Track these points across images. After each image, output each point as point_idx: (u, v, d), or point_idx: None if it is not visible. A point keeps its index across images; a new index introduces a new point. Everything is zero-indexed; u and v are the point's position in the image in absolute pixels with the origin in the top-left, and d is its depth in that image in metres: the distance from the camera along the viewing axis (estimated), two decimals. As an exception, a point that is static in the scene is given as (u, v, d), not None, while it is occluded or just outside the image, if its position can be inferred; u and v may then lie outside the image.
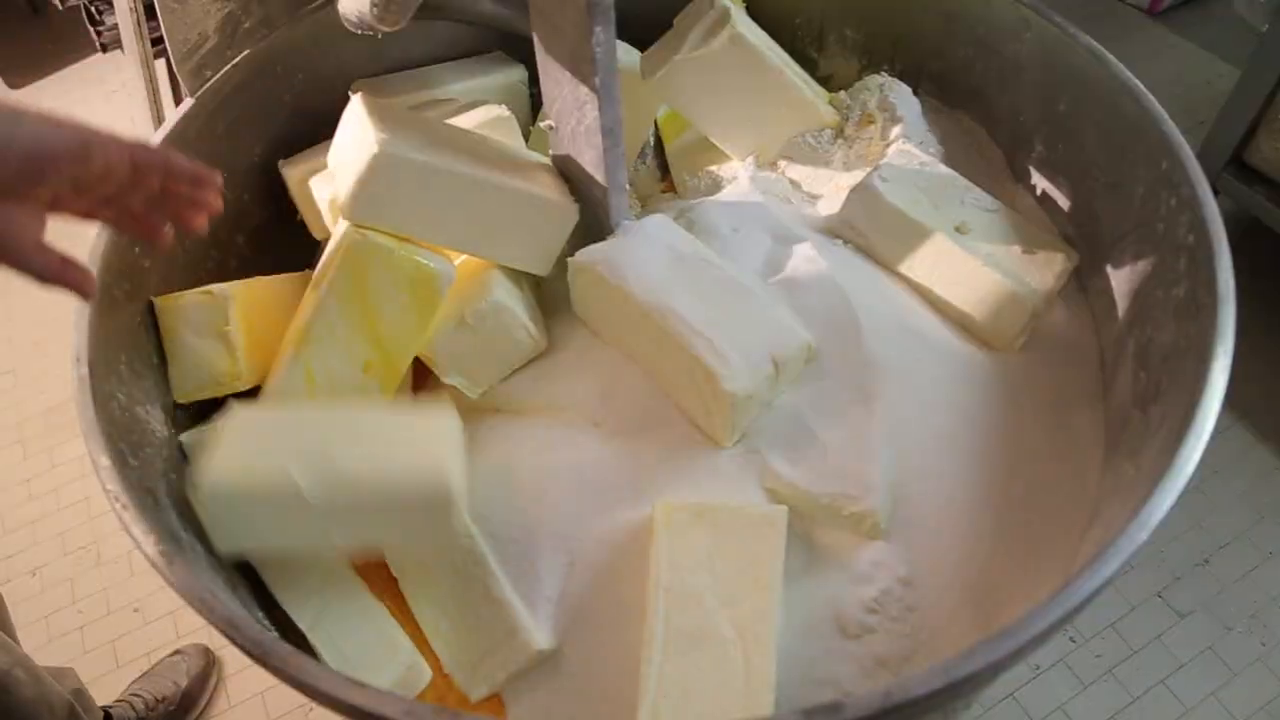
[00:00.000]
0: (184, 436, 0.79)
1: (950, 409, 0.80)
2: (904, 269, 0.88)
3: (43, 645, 1.42)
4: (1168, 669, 1.31)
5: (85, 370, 0.68)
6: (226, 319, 0.79)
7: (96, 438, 0.64)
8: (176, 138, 0.85)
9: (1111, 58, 0.81)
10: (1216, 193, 1.63)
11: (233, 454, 0.66)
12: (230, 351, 0.80)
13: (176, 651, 1.35)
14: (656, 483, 0.76)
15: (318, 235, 0.94)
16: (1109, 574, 0.54)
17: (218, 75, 0.89)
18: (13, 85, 2.34)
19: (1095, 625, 1.35)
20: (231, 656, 1.39)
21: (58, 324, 1.91)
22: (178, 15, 0.86)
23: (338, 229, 0.79)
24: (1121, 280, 0.83)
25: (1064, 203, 0.91)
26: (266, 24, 0.93)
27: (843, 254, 0.88)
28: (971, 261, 0.82)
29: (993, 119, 0.98)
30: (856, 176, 0.91)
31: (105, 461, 0.62)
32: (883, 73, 1.00)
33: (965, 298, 0.85)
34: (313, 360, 0.77)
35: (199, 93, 0.88)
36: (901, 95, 0.97)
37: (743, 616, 0.68)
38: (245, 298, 0.82)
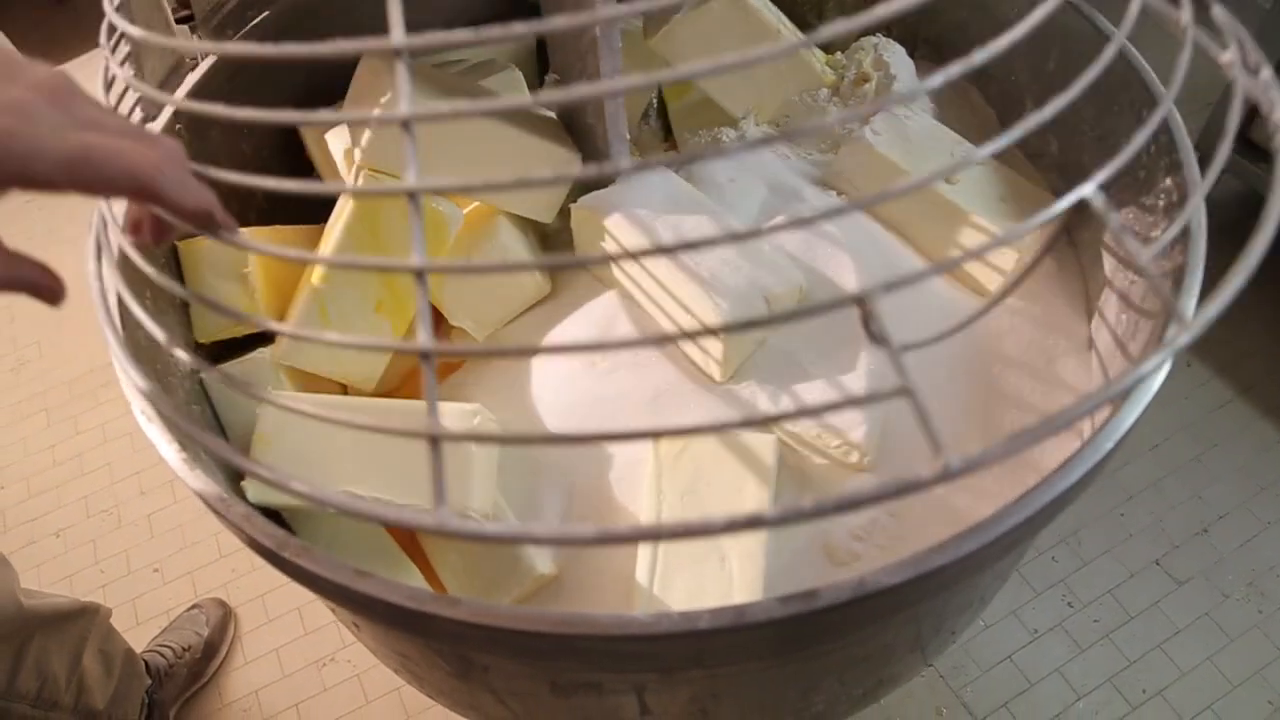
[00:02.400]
0: (205, 374, 0.83)
1: (939, 350, 0.83)
2: (897, 218, 0.90)
3: (66, 601, 1.47)
4: (1165, 634, 1.33)
5: (115, 298, 0.71)
6: (245, 261, 0.83)
7: (124, 356, 0.67)
8: (199, 91, 0.89)
9: (1097, 13, 0.84)
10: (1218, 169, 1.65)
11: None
12: (249, 292, 0.84)
13: (194, 606, 1.40)
14: (652, 418, 0.79)
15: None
16: (1075, 479, 0.56)
17: (238, 35, 0.93)
18: (40, 71, 2.40)
19: (1093, 591, 1.37)
20: (246, 614, 1.44)
21: (81, 298, 1.96)
22: (201, -23, 0.90)
23: (351, 175, 0.83)
24: (1108, 231, 0.85)
25: (1054, 158, 0.94)
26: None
27: (836, 204, 0.91)
28: (960, 210, 0.85)
29: (985, 79, 1.01)
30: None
31: (135, 374, 0.66)
32: (878, 35, 1.03)
33: (954, 246, 0.87)
34: (327, 299, 0.80)
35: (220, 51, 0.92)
36: (895, 55, 1.00)
37: (733, 538, 0.71)
38: (263, 241, 0.85)
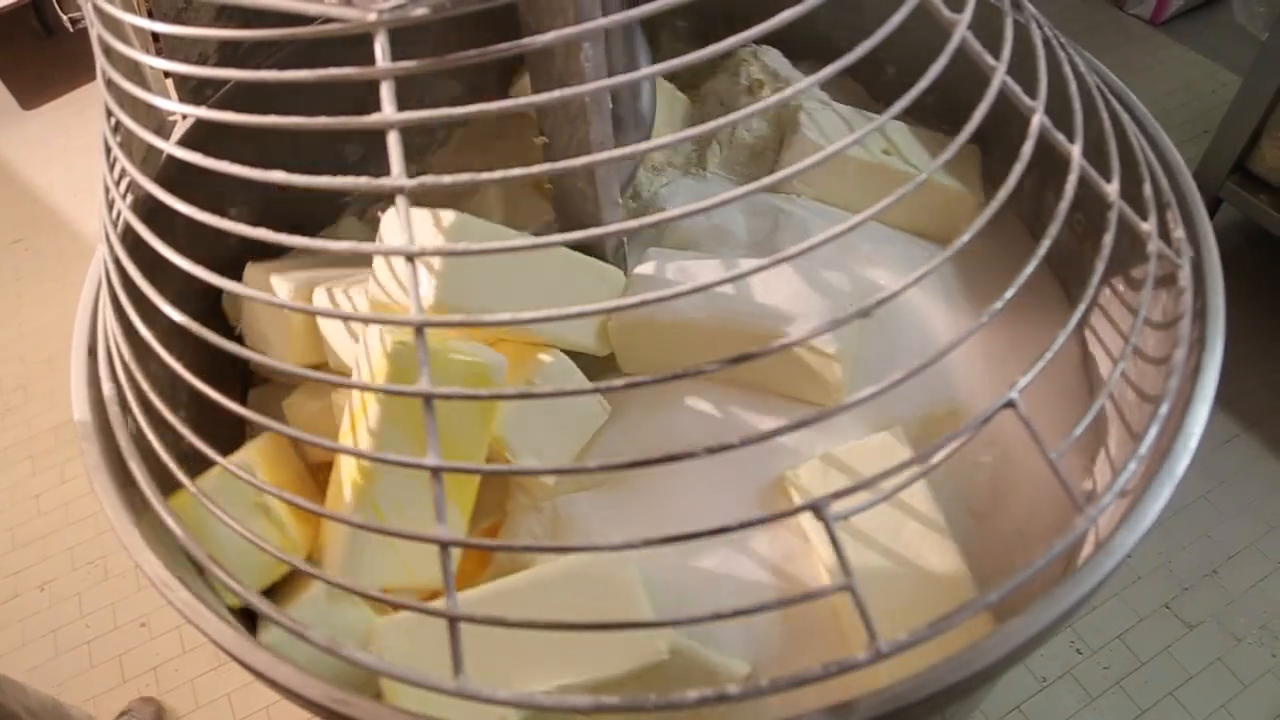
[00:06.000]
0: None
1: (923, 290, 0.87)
2: (856, 201, 0.95)
3: (50, 659, 1.43)
4: (1177, 681, 1.30)
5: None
6: (257, 490, 0.69)
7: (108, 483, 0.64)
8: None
9: (1110, 74, 0.81)
10: (1220, 201, 1.62)
11: None
12: (274, 521, 0.73)
13: (123, 713, 1.32)
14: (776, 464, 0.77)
15: (290, 359, 0.82)
16: (1104, 574, 0.53)
17: (217, 95, 0.90)
18: (26, 107, 2.37)
19: (1103, 637, 1.34)
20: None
21: (69, 341, 1.93)
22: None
23: (364, 344, 0.71)
24: (1113, 300, 0.83)
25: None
26: (264, 44, 0.94)
27: (806, 204, 0.95)
28: (911, 175, 0.90)
29: (985, 144, 1.01)
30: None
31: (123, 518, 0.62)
32: (752, 44, 1.05)
33: (915, 207, 0.92)
34: (379, 495, 0.67)
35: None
36: (775, 58, 1.05)
37: (913, 535, 0.71)
38: (266, 457, 0.76)
